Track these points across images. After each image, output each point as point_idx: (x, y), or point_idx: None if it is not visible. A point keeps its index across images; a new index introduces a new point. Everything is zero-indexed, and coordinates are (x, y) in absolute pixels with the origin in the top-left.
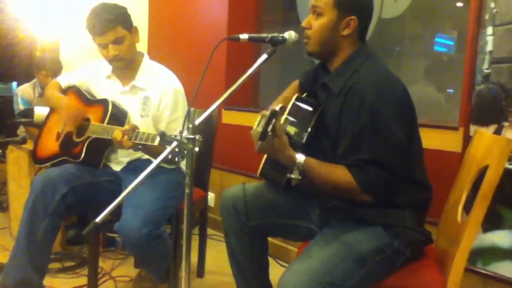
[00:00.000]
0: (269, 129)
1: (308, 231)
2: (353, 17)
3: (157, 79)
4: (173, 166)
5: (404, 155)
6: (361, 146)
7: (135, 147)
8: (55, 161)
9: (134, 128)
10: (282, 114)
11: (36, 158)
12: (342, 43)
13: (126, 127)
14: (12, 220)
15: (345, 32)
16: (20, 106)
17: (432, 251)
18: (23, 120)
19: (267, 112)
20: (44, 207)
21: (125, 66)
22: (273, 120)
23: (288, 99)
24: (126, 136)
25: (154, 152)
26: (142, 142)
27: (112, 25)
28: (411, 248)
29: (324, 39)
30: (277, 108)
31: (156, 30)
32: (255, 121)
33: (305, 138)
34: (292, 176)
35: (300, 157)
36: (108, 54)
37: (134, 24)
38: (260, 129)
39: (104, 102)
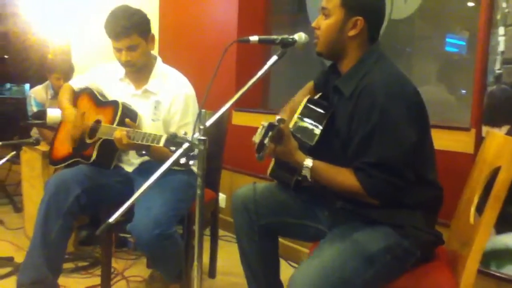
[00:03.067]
0: (266, 141)
1: (317, 232)
2: (359, 17)
3: (169, 83)
4: (183, 168)
5: (414, 156)
6: (370, 148)
7: (139, 152)
8: (68, 162)
9: (133, 126)
10: (283, 124)
11: (51, 159)
12: (349, 44)
13: (129, 128)
14: (26, 220)
15: (352, 33)
16: (33, 108)
17: (443, 252)
18: (35, 121)
19: (266, 124)
20: (58, 208)
21: (137, 71)
22: (270, 133)
23: (300, 101)
24: (124, 134)
25: (162, 157)
26: (143, 143)
27: (127, 32)
28: (422, 249)
29: (331, 39)
30: (275, 120)
31: (167, 33)
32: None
33: (315, 140)
34: (300, 179)
35: (308, 161)
36: (120, 58)
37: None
38: (257, 140)
39: (114, 104)
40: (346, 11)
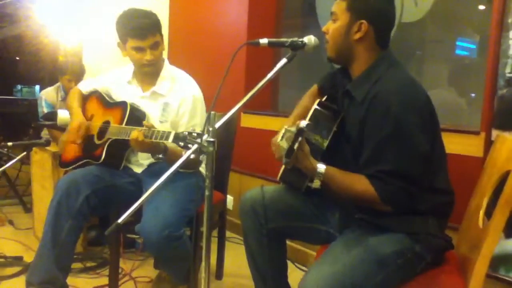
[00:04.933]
0: (295, 146)
1: (327, 235)
2: (363, 21)
3: (177, 85)
4: (191, 171)
5: (427, 164)
6: (384, 156)
7: (155, 156)
8: (78, 164)
9: (150, 127)
10: (309, 131)
11: (61, 162)
12: (356, 48)
13: (143, 127)
14: (36, 221)
15: (357, 36)
16: (44, 109)
17: (453, 256)
18: (46, 122)
19: (293, 129)
20: (68, 208)
21: (150, 71)
22: (299, 138)
23: (308, 106)
24: (141, 134)
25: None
26: (157, 140)
27: (153, 30)
28: (432, 254)
29: (337, 43)
30: (304, 125)
31: (176, 35)
32: (279, 133)
33: (326, 144)
34: (312, 185)
35: (321, 167)
36: (143, 58)
37: None
38: (285, 145)
39: (123, 105)
40: (351, 15)
